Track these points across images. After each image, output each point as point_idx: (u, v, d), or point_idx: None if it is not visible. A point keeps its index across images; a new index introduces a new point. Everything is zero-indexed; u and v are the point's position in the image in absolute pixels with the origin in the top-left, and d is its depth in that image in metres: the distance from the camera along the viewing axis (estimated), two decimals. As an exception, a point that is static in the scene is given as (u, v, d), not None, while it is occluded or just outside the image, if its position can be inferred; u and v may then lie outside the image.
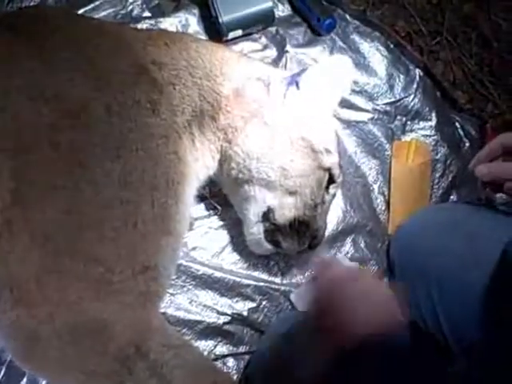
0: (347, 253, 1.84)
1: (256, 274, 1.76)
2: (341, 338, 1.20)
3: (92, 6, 1.93)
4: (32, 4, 1.90)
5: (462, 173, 1.96)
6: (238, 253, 1.76)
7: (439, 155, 1.99)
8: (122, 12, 1.95)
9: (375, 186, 1.92)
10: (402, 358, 1.25)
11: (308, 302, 1.34)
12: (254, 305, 1.73)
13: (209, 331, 1.68)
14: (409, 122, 2.01)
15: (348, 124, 1.96)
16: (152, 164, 1.37)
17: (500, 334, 1.26)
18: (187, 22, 1.98)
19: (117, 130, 1.34)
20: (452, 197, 1.95)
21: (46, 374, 1.34)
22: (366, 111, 1.99)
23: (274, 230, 1.61)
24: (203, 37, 1.95)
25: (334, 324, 1.22)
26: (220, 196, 1.77)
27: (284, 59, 1.99)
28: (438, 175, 1.96)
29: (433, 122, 2.02)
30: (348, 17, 2.07)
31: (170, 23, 1.96)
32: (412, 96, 2.03)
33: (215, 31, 1.94)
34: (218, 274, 1.72)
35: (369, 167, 1.94)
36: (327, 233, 1.78)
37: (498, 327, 1.28)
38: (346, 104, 1.95)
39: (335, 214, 1.85)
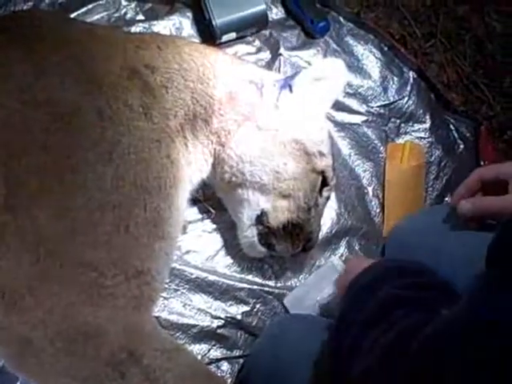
0: (342, 255, 1.83)
1: (250, 277, 1.75)
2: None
3: (85, 9, 1.92)
4: (25, 8, 1.89)
5: (457, 175, 1.96)
6: (232, 256, 1.76)
7: (433, 157, 1.99)
8: (116, 15, 1.95)
9: (369, 189, 1.92)
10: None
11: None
12: (247, 308, 1.72)
13: (203, 335, 1.67)
14: (403, 125, 2.01)
15: (342, 126, 1.96)
16: (144, 168, 1.37)
17: None
18: (181, 25, 1.97)
19: (109, 134, 1.34)
20: (446, 199, 1.94)
21: (39, 380, 1.33)
22: (360, 114, 1.99)
23: (267, 233, 1.61)
24: (197, 40, 1.95)
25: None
26: (214, 199, 1.76)
27: (278, 62, 1.98)
28: (432, 177, 1.96)
29: (427, 124, 2.02)
30: (342, 19, 2.07)
31: (163, 26, 1.96)
32: (406, 98, 2.03)
33: (209, 34, 1.93)
34: (211, 278, 1.72)
35: (363, 170, 1.93)
36: (321, 235, 1.78)
37: None
38: (340, 106, 1.95)
39: (329, 217, 1.85)
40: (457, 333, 0.91)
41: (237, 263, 1.76)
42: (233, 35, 1.93)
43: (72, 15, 1.89)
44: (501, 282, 0.89)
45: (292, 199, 1.59)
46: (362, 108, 2.00)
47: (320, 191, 1.66)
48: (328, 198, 1.74)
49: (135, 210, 1.34)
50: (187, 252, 1.74)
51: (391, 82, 2.03)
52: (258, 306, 1.73)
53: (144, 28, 1.94)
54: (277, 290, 1.75)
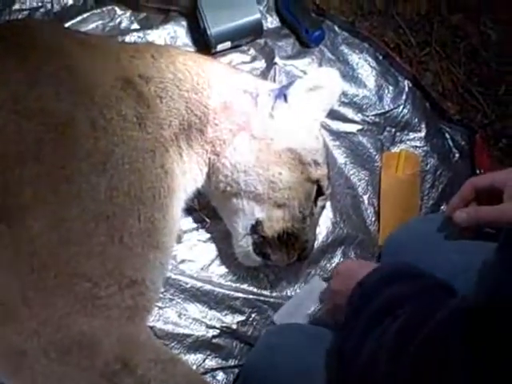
0: (337, 264, 1.83)
1: (245, 286, 1.75)
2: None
3: (80, 18, 1.92)
4: (20, 17, 1.90)
5: (452, 183, 1.96)
6: (227, 265, 1.75)
7: (429, 166, 1.99)
8: (111, 24, 1.95)
9: (365, 198, 1.92)
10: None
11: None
12: (243, 318, 1.72)
13: (198, 345, 1.66)
14: (398, 133, 2.01)
15: (337, 135, 1.96)
16: (138, 178, 1.37)
17: None
18: (176, 34, 1.98)
19: (102, 145, 1.33)
20: (442, 207, 1.94)
21: (33, 390, 1.33)
22: (356, 122, 1.99)
23: (262, 242, 1.60)
24: (192, 49, 1.96)
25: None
26: (208, 208, 1.76)
27: (273, 71, 1.99)
28: (427, 186, 1.96)
29: (422, 133, 2.02)
30: (337, 28, 2.08)
31: (158, 35, 1.96)
32: (401, 107, 2.03)
33: (204, 43, 1.94)
34: (206, 287, 1.71)
35: (358, 178, 1.93)
36: (317, 244, 1.78)
37: None
38: (335, 115, 1.95)
39: (325, 226, 1.85)
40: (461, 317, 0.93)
41: (232, 272, 1.75)
42: (228, 44, 1.93)
43: (67, 24, 1.89)
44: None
45: (287, 209, 1.59)
46: (358, 117, 2.00)
47: (315, 200, 1.66)
48: (323, 207, 1.74)
49: (129, 220, 1.33)
50: (182, 261, 1.74)
51: (386, 91, 2.04)
52: (253, 315, 1.72)
53: (139, 37, 1.94)
54: (272, 300, 1.74)
